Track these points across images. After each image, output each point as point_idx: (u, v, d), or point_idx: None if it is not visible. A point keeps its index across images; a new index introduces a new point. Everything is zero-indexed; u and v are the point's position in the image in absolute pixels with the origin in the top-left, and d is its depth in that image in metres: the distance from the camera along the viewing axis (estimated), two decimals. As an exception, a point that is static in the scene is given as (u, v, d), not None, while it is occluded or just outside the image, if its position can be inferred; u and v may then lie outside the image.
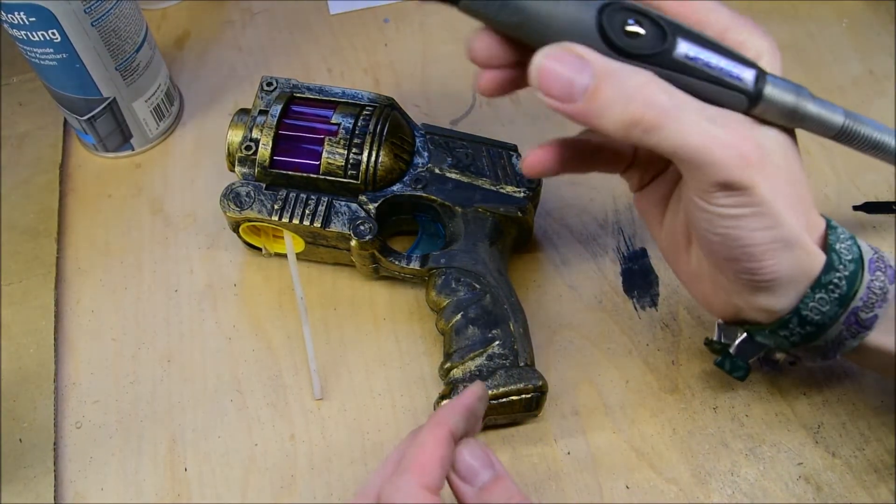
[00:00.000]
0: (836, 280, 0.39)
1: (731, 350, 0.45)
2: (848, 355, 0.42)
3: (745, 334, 0.44)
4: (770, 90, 0.37)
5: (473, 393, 0.40)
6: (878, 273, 0.39)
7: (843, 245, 0.39)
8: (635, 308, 0.54)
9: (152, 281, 0.57)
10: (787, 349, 0.43)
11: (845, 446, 0.48)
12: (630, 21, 0.36)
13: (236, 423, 0.51)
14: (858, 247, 0.40)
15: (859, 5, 0.68)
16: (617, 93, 0.35)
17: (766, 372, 0.50)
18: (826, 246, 0.39)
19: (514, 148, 0.54)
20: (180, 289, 0.56)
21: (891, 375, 0.44)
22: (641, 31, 0.36)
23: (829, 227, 0.40)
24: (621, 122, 0.35)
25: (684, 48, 0.36)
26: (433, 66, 0.67)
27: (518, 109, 0.64)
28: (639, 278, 0.55)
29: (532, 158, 0.42)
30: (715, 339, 0.47)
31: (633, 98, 0.35)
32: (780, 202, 0.37)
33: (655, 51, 0.36)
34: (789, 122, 0.38)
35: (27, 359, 0.53)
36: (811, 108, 0.38)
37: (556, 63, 0.35)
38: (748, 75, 0.37)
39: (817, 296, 0.39)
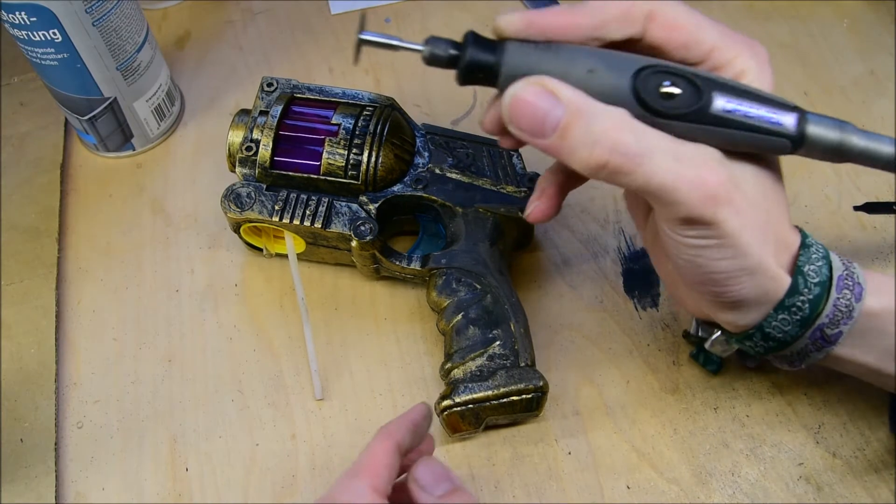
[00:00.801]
0: (798, 303, 0.40)
1: (707, 346, 0.47)
2: (818, 362, 0.43)
3: (719, 332, 0.46)
4: (813, 130, 0.38)
5: (419, 410, 0.42)
6: (846, 291, 0.40)
7: (811, 267, 0.40)
8: (636, 308, 0.54)
9: (153, 281, 0.57)
10: (755, 355, 0.44)
11: (846, 446, 0.48)
12: (665, 83, 0.37)
13: (237, 423, 0.51)
14: (830, 266, 0.40)
15: (860, 5, 0.68)
16: (584, 135, 0.36)
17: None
18: (794, 268, 0.40)
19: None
20: (181, 289, 0.56)
21: (867, 380, 0.45)
22: (677, 90, 0.37)
23: (803, 245, 0.41)
24: (588, 164, 0.36)
25: (721, 102, 0.37)
26: (434, 67, 0.67)
27: (519, 109, 0.64)
28: (640, 278, 0.55)
29: (537, 213, 0.43)
30: (692, 332, 0.48)
31: (599, 142, 0.35)
32: (747, 233, 0.37)
33: (692, 108, 0.37)
34: (837, 158, 0.39)
35: (28, 359, 0.53)
36: (857, 142, 0.39)
37: (529, 97, 0.36)
38: (789, 120, 0.37)
39: (780, 316, 0.40)
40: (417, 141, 0.54)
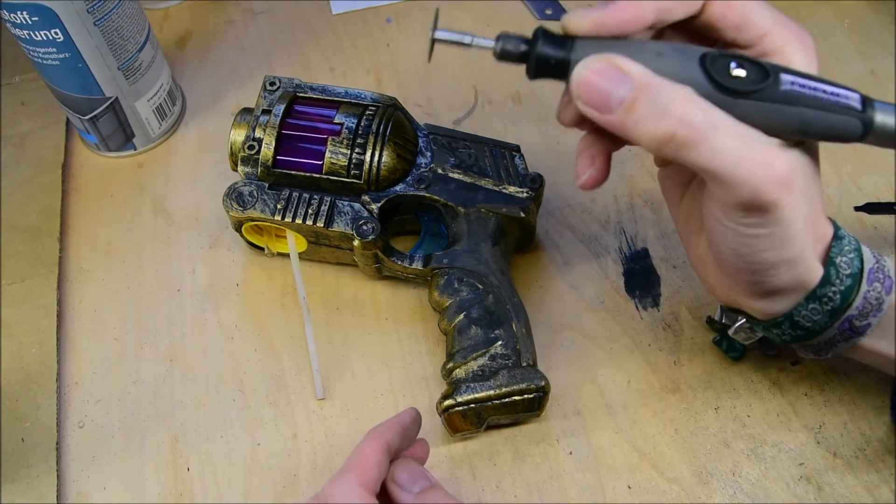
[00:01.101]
0: (830, 294, 0.40)
1: (730, 332, 0.47)
2: (844, 352, 0.43)
3: (744, 319, 0.46)
4: (881, 115, 0.38)
5: (409, 414, 0.43)
6: (876, 284, 0.40)
7: (844, 258, 0.40)
8: (637, 308, 0.54)
9: (154, 280, 0.57)
10: (781, 343, 0.44)
11: (847, 446, 0.48)
12: (732, 64, 0.37)
13: (239, 422, 0.51)
14: (861, 258, 0.41)
15: (861, 6, 0.68)
16: (651, 107, 0.36)
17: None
18: (826, 258, 0.40)
19: (517, 148, 0.54)
20: (182, 288, 0.56)
21: (888, 371, 0.45)
22: (743, 72, 0.37)
23: (836, 237, 0.41)
24: (654, 136, 0.36)
25: (789, 79, 0.37)
26: (435, 67, 0.67)
27: (520, 109, 0.64)
28: (641, 278, 0.55)
29: (591, 181, 0.42)
30: (717, 318, 0.48)
31: (668, 113, 0.35)
32: (798, 222, 0.38)
33: (762, 85, 0.37)
34: None
35: (29, 358, 0.53)
36: None
37: (596, 73, 0.36)
38: (855, 98, 0.38)
39: (810, 306, 0.40)
40: (420, 141, 0.54)
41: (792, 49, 0.39)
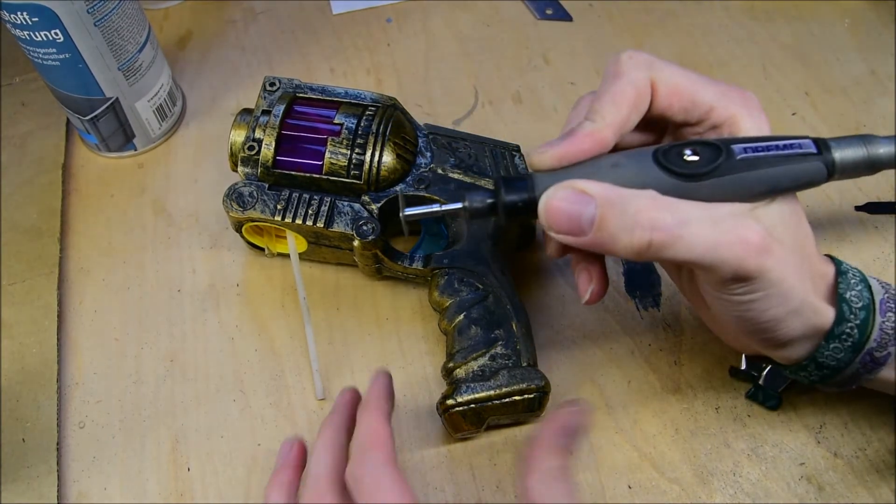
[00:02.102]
0: (847, 330, 0.40)
1: (760, 381, 0.48)
2: (865, 383, 0.43)
3: (769, 367, 0.47)
4: (839, 152, 0.39)
5: (386, 376, 0.44)
6: (890, 314, 0.40)
7: (852, 292, 0.40)
8: (637, 308, 0.54)
9: (155, 281, 0.57)
10: (809, 385, 0.44)
11: (847, 446, 0.48)
12: (686, 152, 0.38)
13: (239, 423, 0.51)
14: (870, 289, 0.41)
15: (861, 5, 0.68)
16: (621, 220, 0.37)
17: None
18: (835, 296, 0.40)
19: (517, 148, 0.54)
20: (183, 289, 0.56)
21: None
22: (696, 157, 0.38)
23: (839, 273, 0.41)
24: (631, 248, 0.37)
25: (741, 148, 0.38)
26: (436, 66, 0.68)
27: (520, 109, 0.64)
28: (641, 278, 0.55)
29: (595, 297, 0.43)
30: (742, 368, 0.48)
31: (638, 223, 0.37)
32: (789, 277, 0.38)
33: (718, 161, 0.38)
34: (870, 171, 0.40)
35: (30, 358, 0.53)
36: (886, 150, 0.39)
37: (562, 201, 0.38)
38: (808, 146, 0.39)
39: (831, 345, 0.41)
40: (420, 141, 0.54)
41: (739, 115, 0.41)
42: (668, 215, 0.37)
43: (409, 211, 0.42)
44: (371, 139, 0.52)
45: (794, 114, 0.63)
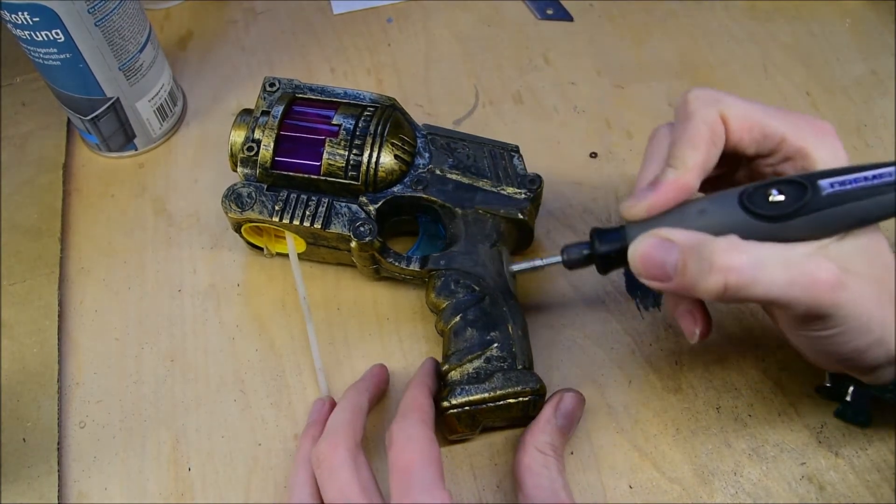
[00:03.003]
0: None
1: (848, 398, 0.47)
2: None
3: (853, 387, 0.46)
4: None
5: (433, 361, 0.49)
6: None
7: None
8: (638, 308, 0.54)
9: (155, 281, 0.57)
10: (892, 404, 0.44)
11: (848, 446, 0.48)
12: (772, 191, 0.39)
13: (240, 422, 0.51)
14: None
15: (862, 5, 0.68)
16: (699, 265, 0.38)
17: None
18: None
19: (516, 149, 0.54)
20: (183, 289, 0.56)
21: None
22: (782, 196, 0.38)
23: None
24: (710, 291, 0.38)
25: (826, 182, 0.38)
26: (436, 66, 0.68)
27: (521, 109, 0.64)
28: (642, 278, 0.55)
29: (701, 336, 0.45)
30: (827, 384, 0.47)
31: (714, 267, 0.38)
32: (865, 311, 0.38)
33: (804, 200, 0.38)
34: None
35: (31, 358, 0.53)
36: None
37: (649, 248, 0.40)
38: (893, 173, 0.38)
39: None
40: (418, 142, 0.54)
41: (812, 146, 0.41)
42: (744, 257, 0.38)
43: (516, 267, 0.48)
44: (369, 140, 0.52)
45: (794, 114, 0.62)
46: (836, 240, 0.39)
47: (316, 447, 0.43)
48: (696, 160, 0.41)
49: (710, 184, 0.45)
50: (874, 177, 0.38)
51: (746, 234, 0.39)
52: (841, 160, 0.41)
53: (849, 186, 0.38)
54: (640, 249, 0.40)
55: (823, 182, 0.38)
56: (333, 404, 0.49)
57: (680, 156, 0.41)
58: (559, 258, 0.45)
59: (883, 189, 0.38)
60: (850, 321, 0.38)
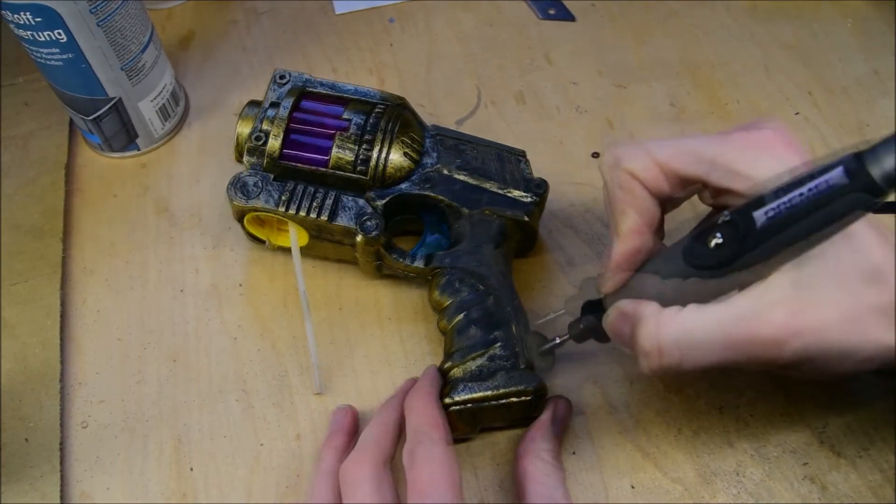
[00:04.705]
0: None
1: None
2: None
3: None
4: (876, 170, 0.32)
5: (435, 368, 0.48)
6: None
7: None
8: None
9: (158, 281, 0.57)
10: None
11: (850, 446, 0.48)
12: (715, 237, 0.37)
13: (242, 422, 0.51)
14: None
15: (863, 5, 0.68)
16: (646, 338, 0.39)
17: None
18: None
19: (523, 153, 0.54)
20: (185, 289, 0.56)
21: None
22: (720, 238, 0.37)
23: None
24: (653, 371, 0.39)
25: (760, 213, 0.35)
26: (438, 66, 0.68)
27: (523, 109, 0.64)
28: (644, 278, 0.55)
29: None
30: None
31: (643, 351, 0.39)
32: (838, 340, 0.36)
33: (739, 240, 0.36)
34: None
35: (33, 358, 0.53)
36: None
37: (613, 322, 0.42)
38: (837, 172, 0.33)
39: None
40: (426, 141, 0.54)
41: (742, 161, 0.39)
42: (671, 335, 0.38)
43: (545, 347, 0.47)
44: (379, 136, 0.52)
45: (797, 113, 0.62)
46: (795, 266, 0.36)
47: (344, 462, 0.43)
48: (629, 225, 0.42)
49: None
50: (810, 189, 0.34)
51: (698, 289, 0.38)
52: (788, 164, 0.37)
53: (785, 208, 0.34)
54: (608, 324, 0.42)
55: (758, 213, 0.35)
56: (354, 413, 0.49)
57: (615, 226, 0.43)
58: (567, 336, 0.47)
59: (824, 200, 0.33)
60: (819, 361, 0.37)
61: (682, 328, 0.38)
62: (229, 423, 0.51)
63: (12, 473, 0.49)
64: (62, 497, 0.48)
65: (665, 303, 0.40)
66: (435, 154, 0.54)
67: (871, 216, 0.35)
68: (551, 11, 0.71)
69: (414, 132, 0.53)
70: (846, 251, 0.36)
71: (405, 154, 0.52)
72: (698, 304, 0.38)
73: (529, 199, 0.52)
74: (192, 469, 0.49)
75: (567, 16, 0.71)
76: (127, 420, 0.51)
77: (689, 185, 0.41)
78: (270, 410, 0.51)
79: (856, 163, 0.32)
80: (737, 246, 0.36)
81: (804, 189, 0.34)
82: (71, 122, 0.65)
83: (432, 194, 0.52)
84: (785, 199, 0.34)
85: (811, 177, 0.34)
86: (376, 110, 0.53)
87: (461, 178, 0.53)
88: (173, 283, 0.57)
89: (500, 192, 0.53)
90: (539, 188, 0.53)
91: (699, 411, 0.49)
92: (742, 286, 0.38)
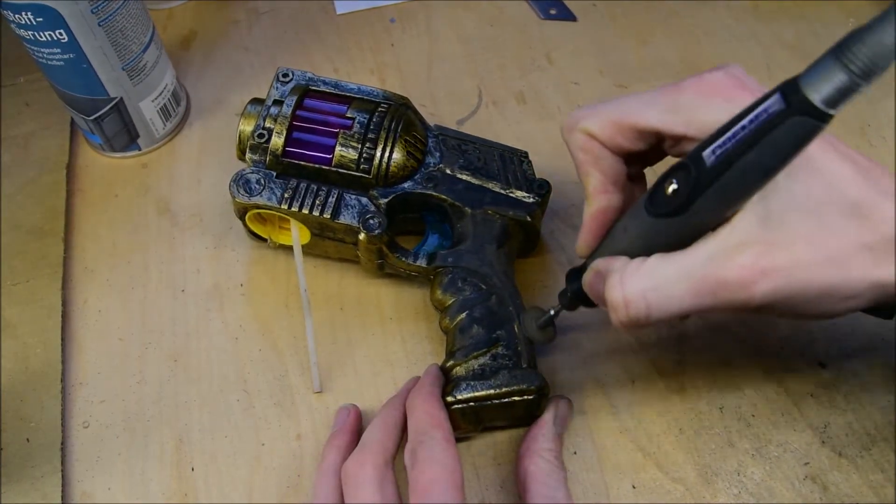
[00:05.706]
0: None
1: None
2: None
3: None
4: (814, 94, 0.31)
5: (436, 367, 0.49)
6: None
7: None
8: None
9: (159, 281, 0.57)
10: None
11: (852, 446, 0.48)
12: (670, 183, 0.37)
13: (243, 422, 0.51)
14: None
15: (865, 5, 0.68)
16: (614, 295, 0.38)
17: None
18: None
19: (526, 154, 0.54)
20: (187, 289, 0.56)
21: None
22: (675, 185, 0.37)
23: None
24: (624, 325, 0.39)
25: (708, 152, 0.35)
26: (439, 66, 0.68)
27: (524, 109, 0.64)
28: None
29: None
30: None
31: (612, 304, 0.39)
32: (815, 277, 0.35)
33: (692, 181, 0.36)
34: (867, 81, 0.30)
35: (34, 359, 0.53)
36: (864, 52, 0.29)
37: (589, 282, 0.42)
38: (774, 98, 0.33)
39: None
40: (429, 141, 0.54)
41: (697, 104, 0.39)
42: (637, 285, 0.38)
43: (542, 320, 0.47)
44: (383, 135, 0.52)
45: (797, 113, 0.62)
46: (762, 204, 0.35)
47: (346, 461, 0.43)
48: (594, 185, 0.43)
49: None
50: (752, 120, 0.33)
51: (663, 238, 0.38)
52: (738, 99, 0.36)
53: (731, 144, 0.34)
54: (586, 285, 0.42)
55: (706, 152, 0.35)
56: (357, 412, 0.49)
57: (585, 187, 0.43)
58: (559, 306, 0.47)
59: (768, 126, 0.32)
60: (797, 301, 0.36)
61: (647, 278, 0.37)
62: (230, 423, 0.51)
63: (13, 473, 0.49)
64: (63, 497, 0.48)
65: (634, 257, 0.40)
66: (438, 154, 0.54)
67: (846, 151, 0.36)
68: (552, 11, 0.71)
69: (417, 132, 0.53)
70: (818, 187, 0.36)
71: (408, 153, 0.52)
72: (664, 254, 0.38)
73: (532, 200, 0.52)
74: (193, 469, 0.49)
75: (568, 16, 0.71)
76: (128, 420, 0.51)
77: (647, 138, 0.41)
78: (271, 410, 0.51)
79: (791, 87, 0.32)
80: (691, 188, 0.36)
81: (745, 121, 0.34)
82: (72, 123, 0.65)
83: (435, 193, 0.52)
84: (729, 133, 0.34)
85: (752, 108, 0.34)
86: (380, 109, 0.53)
87: (464, 177, 0.53)
88: (174, 283, 0.57)
89: (502, 192, 0.53)
90: (541, 189, 0.53)
91: (700, 411, 0.49)
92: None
